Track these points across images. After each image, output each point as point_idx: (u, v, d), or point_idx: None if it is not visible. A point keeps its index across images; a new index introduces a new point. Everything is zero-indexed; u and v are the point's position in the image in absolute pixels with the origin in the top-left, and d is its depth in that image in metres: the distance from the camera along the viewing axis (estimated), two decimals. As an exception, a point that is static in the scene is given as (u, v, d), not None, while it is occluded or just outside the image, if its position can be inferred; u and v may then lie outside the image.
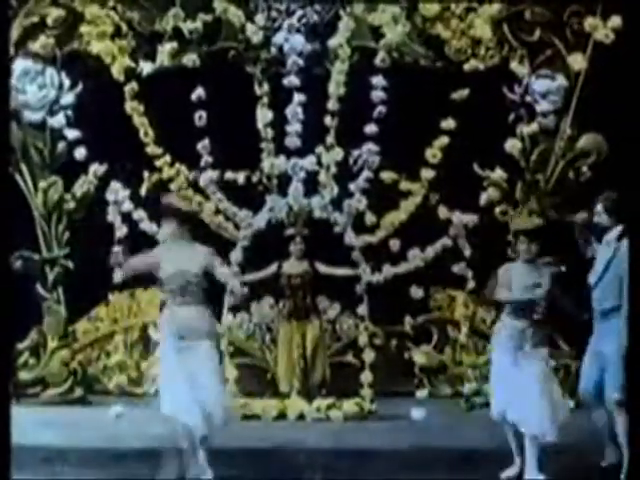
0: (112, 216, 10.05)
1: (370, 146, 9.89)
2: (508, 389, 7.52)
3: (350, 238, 9.95)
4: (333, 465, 7.88)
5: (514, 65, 10.23)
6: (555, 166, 10.24)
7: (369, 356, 9.81)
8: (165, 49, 10.06)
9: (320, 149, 9.94)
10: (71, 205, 10.23)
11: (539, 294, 7.51)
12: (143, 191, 10.10)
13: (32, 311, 10.17)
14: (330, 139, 9.92)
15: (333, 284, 9.98)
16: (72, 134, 10.17)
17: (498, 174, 10.23)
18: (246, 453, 8.14)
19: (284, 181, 9.98)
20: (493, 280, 7.79)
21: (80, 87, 10.23)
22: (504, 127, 10.22)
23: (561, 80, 10.20)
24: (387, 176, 10.09)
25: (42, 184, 10.20)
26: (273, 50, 10.12)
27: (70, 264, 10.20)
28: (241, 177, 10.11)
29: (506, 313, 7.66)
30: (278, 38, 10.08)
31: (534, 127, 10.23)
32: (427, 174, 10.06)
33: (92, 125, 10.09)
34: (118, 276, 9.63)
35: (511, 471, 7.67)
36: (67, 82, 10.25)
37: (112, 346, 10.61)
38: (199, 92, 9.84)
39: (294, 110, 9.82)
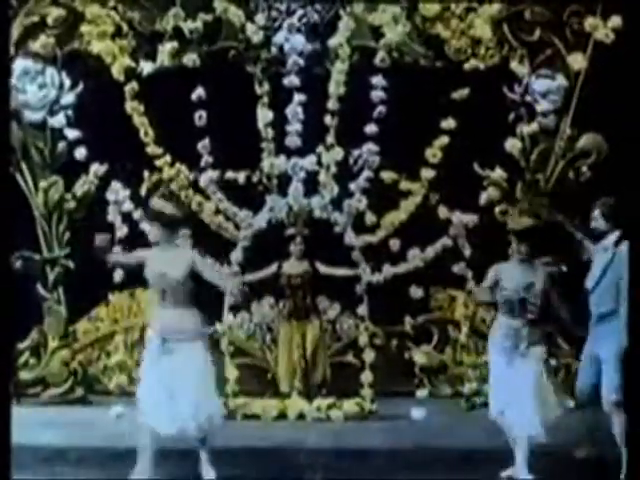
0: (112, 216, 10.05)
1: (370, 146, 9.89)
2: (504, 389, 7.52)
3: (350, 238, 9.95)
4: (333, 465, 7.89)
5: (514, 65, 10.23)
6: (555, 166, 10.25)
7: (369, 356, 9.81)
8: (165, 49, 10.06)
9: (320, 149, 9.93)
10: (71, 205, 10.23)
11: (532, 293, 7.51)
12: (143, 191, 10.10)
13: (33, 311, 10.18)
14: (330, 139, 9.91)
15: (333, 284, 9.98)
16: (72, 134, 10.18)
17: (498, 174, 10.24)
18: (247, 453, 8.15)
19: (284, 181, 9.98)
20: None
21: (80, 87, 10.23)
22: (504, 127, 10.23)
23: (561, 80, 10.21)
24: (387, 176, 10.08)
25: (43, 184, 10.20)
26: (273, 50, 10.12)
27: (71, 264, 10.20)
28: (241, 177, 10.10)
29: (501, 313, 7.67)
30: (278, 38, 10.07)
31: (534, 127, 10.23)
32: (427, 174, 10.06)
33: (92, 125, 10.09)
34: (118, 275, 9.70)
35: (511, 471, 7.67)
36: (67, 82, 10.26)
37: (112, 346, 10.62)
38: (199, 92, 9.84)
39: (294, 110, 9.82)
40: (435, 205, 10.08)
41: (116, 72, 10.00)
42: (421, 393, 10.49)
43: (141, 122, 10.01)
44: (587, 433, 7.89)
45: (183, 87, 9.81)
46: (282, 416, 9.53)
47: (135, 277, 7.95)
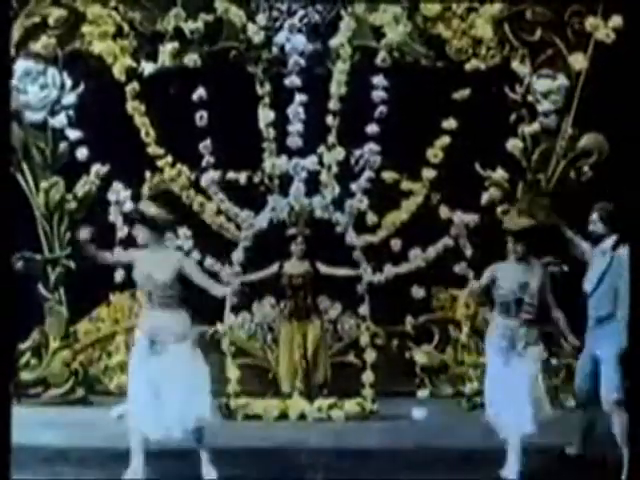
0: (114, 216, 10.05)
1: (371, 146, 9.89)
2: (501, 389, 7.51)
3: (351, 238, 9.95)
4: (334, 465, 7.89)
5: (515, 65, 10.23)
6: (556, 166, 10.25)
7: (370, 356, 9.81)
8: (166, 49, 10.06)
9: (321, 149, 9.93)
10: (72, 205, 10.23)
11: (528, 294, 7.51)
12: (145, 191, 10.10)
13: (34, 311, 10.18)
14: (331, 139, 9.91)
15: (334, 284, 9.99)
16: (74, 134, 10.18)
17: (499, 174, 10.23)
18: (248, 453, 8.16)
19: (285, 181, 9.98)
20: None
21: (81, 87, 10.23)
22: (505, 127, 10.23)
23: (562, 80, 10.20)
24: (388, 176, 10.09)
25: (44, 184, 10.20)
26: (274, 50, 10.12)
27: (72, 264, 10.20)
28: (243, 177, 10.11)
29: (498, 312, 7.66)
30: (279, 38, 10.07)
31: (535, 127, 10.23)
32: (428, 174, 10.07)
33: (94, 125, 10.09)
34: (119, 276, 9.69)
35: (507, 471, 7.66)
36: (69, 82, 10.25)
37: (113, 346, 10.61)
38: (200, 92, 9.84)
39: (295, 110, 9.82)
40: (436, 205, 10.09)
41: (117, 72, 10.00)
42: (422, 393, 10.49)
43: (142, 122, 10.01)
44: (581, 432, 7.89)
45: (184, 87, 9.81)
46: (283, 416, 9.53)
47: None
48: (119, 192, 10.07)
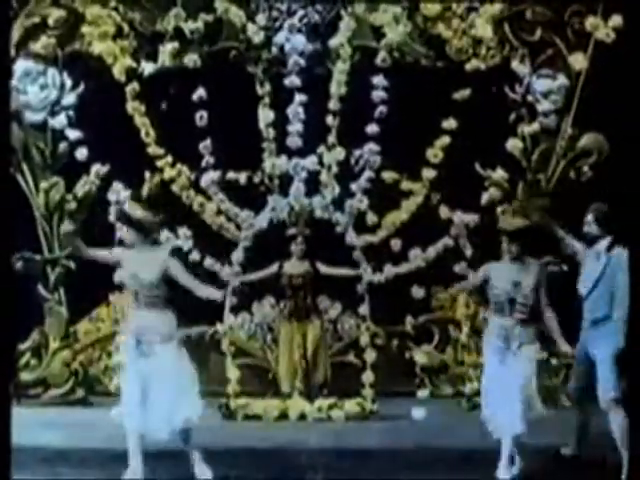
0: (114, 216, 10.04)
1: (371, 146, 9.89)
2: (497, 389, 7.50)
3: (351, 238, 9.95)
4: (334, 465, 7.88)
5: (515, 65, 10.23)
6: (556, 166, 10.25)
7: (370, 356, 9.81)
8: (166, 49, 10.06)
9: (321, 149, 9.93)
10: (72, 206, 10.22)
11: (521, 293, 7.50)
12: (144, 192, 10.09)
13: (34, 312, 10.18)
14: (331, 139, 9.91)
15: (334, 284, 9.99)
16: (73, 134, 10.18)
17: (499, 174, 10.23)
18: (248, 453, 8.16)
19: (285, 181, 9.98)
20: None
21: (81, 87, 10.24)
22: (505, 127, 10.23)
23: (562, 79, 10.21)
24: (388, 176, 10.08)
25: (43, 185, 10.21)
26: (274, 50, 10.12)
27: (71, 265, 10.19)
28: (243, 177, 10.10)
29: (493, 312, 7.65)
30: (279, 38, 10.07)
31: (535, 127, 10.23)
32: (428, 174, 10.06)
33: (93, 125, 10.09)
34: (118, 275, 9.68)
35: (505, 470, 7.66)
36: (68, 82, 10.26)
37: (113, 347, 10.60)
38: (200, 92, 9.84)
39: (295, 110, 9.82)
40: (436, 205, 10.08)
41: (117, 72, 10.00)
42: (422, 393, 10.49)
43: (142, 122, 10.01)
44: (575, 432, 7.89)
45: (184, 87, 9.81)
46: (283, 416, 9.54)
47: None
48: (119, 192, 10.05)
